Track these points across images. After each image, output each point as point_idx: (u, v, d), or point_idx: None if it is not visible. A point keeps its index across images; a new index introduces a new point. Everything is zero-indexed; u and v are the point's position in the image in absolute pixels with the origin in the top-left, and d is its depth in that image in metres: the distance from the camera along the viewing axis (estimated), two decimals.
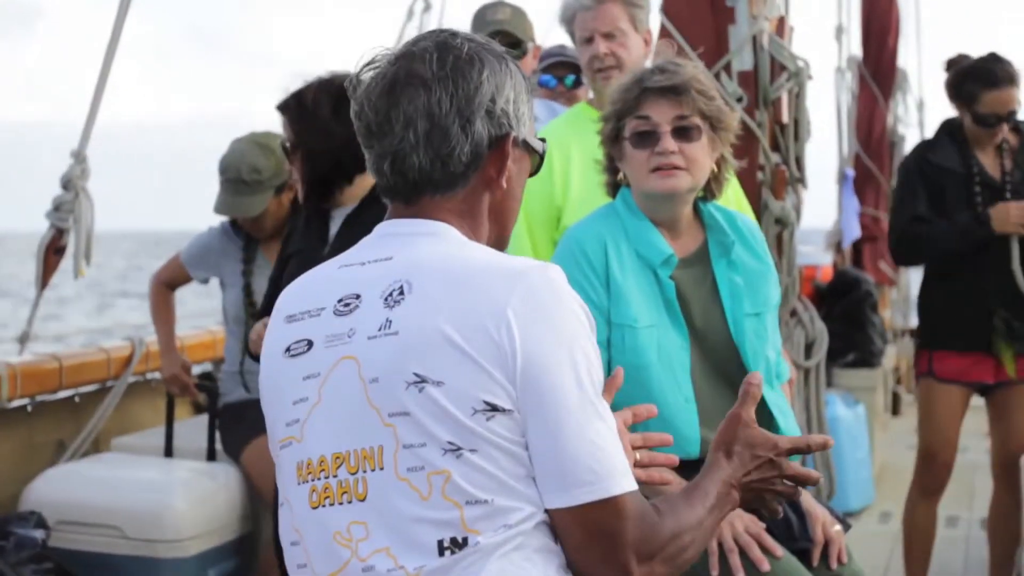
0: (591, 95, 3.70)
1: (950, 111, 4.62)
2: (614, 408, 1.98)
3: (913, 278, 10.28)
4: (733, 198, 3.44)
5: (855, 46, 8.85)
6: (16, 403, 4.25)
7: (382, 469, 1.81)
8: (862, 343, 7.07)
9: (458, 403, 1.78)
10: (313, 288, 1.98)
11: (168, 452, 4.37)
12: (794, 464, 2.02)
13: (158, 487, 3.96)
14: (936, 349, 4.53)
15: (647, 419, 2.23)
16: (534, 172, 2.03)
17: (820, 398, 4.43)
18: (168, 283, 4.69)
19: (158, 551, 3.79)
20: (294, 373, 1.92)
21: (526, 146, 1.98)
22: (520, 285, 1.82)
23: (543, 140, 2.03)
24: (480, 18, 4.44)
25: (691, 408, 2.74)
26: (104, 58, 4.54)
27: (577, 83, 4.86)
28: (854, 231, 7.84)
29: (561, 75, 4.90)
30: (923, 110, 10.24)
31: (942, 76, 4.60)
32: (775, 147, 4.22)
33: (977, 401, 4.66)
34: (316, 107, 3.33)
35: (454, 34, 1.94)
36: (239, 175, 4.34)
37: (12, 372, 4.14)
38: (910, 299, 10.20)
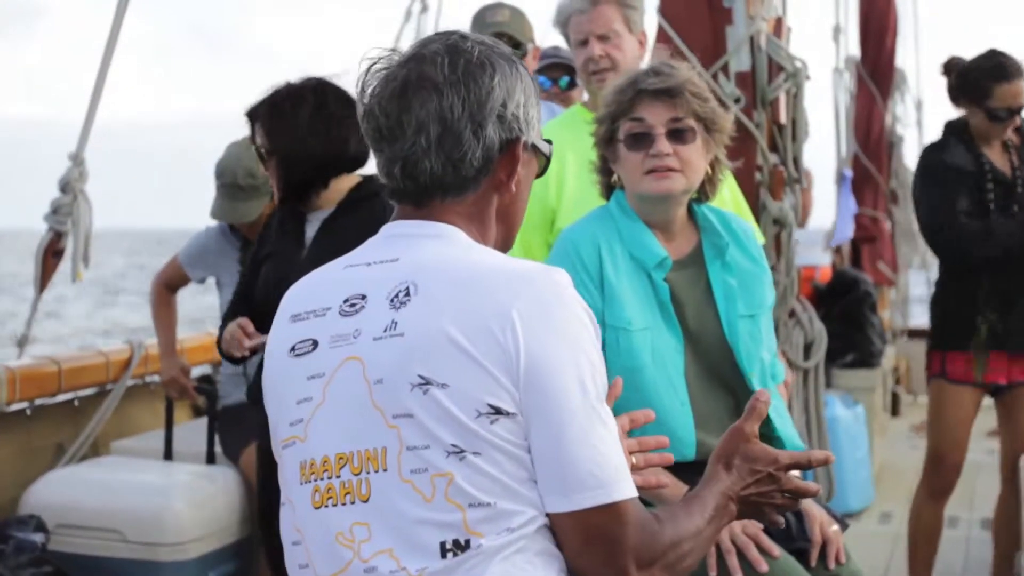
0: (586, 97, 3.70)
1: (949, 112, 4.61)
2: None
3: (913, 279, 10.28)
4: (731, 199, 3.43)
5: (853, 46, 8.84)
6: (15, 406, 4.25)
7: (385, 470, 1.81)
8: (861, 344, 7.05)
9: (462, 406, 1.78)
10: (319, 288, 1.97)
11: (167, 455, 4.37)
12: (793, 479, 2.01)
13: (158, 490, 3.96)
14: (948, 350, 4.51)
15: (644, 424, 2.23)
16: (540, 174, 2.04)
17: (819, 399, 4.42)
18: (168, 285, 4.69)
19: (158, 554, 3.80)
20: (299, 372, 1.92)
21: (534, 149, 1.99)
22: (525, 288, 1.82)
23: (549, 142, 2.03)
24: (479, 20, 4.43)
25: (686, 411, 2.74)
26: (102, 58, 4.53)
27: (571, 84, 4.86)
28: (846, 232, 7.81)
29: (556, 76, 4.90)
30: (921, 110, 10.26)
31: (940, 77, 4.59)
32: (773, 148, 4.21)
33: (983, 401, 4.65)
34: (292, 113, 3.32)
35: (464, 36, 1.94)
36: (235, 180, 4.34)
37: (11, 375, 4.14)
38: (909, 299, 10.20)
